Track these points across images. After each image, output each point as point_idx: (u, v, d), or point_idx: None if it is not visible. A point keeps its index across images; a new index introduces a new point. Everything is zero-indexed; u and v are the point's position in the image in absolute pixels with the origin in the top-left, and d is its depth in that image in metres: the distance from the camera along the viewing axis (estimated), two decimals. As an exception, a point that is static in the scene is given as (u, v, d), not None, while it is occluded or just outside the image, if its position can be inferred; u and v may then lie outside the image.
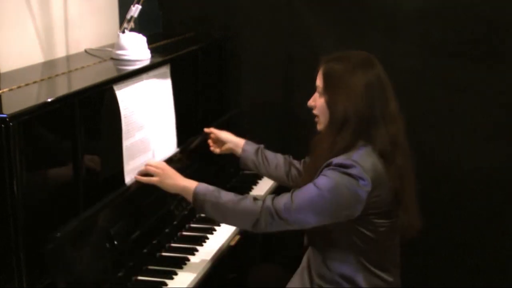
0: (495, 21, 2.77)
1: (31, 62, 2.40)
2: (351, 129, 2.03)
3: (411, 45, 2.88)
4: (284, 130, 3.16)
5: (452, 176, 2.93)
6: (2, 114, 1.69)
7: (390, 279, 2.10)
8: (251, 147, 2.53)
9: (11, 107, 1.81)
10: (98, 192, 2.07)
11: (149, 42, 2.56)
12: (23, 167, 1.74)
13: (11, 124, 1.68)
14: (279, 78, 3.13)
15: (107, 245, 2.02)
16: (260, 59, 3.13)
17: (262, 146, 2.55)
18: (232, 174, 2.93)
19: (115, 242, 2.04)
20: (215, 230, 2.43)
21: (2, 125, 1.67)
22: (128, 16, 2.51)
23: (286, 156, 2.53)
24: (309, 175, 2.10)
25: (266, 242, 3.01)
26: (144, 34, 2.54)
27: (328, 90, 2.08)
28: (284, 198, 2.03)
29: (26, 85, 2.06)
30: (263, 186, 2.86)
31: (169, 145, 2.54)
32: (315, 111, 2.14)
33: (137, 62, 2.44)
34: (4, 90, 1.98)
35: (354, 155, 2.00)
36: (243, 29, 3.13)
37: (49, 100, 1.86)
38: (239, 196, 2.11)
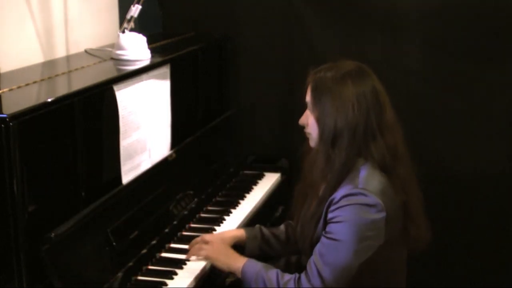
0: (496, 21, 2.77)
1: (31, 62, 2.40)
2: (346, 142, 1.95)
3: (412, 45, 2.88)
4: (284, 130, 3.16)
5: (453, 176, 2.93)
6: (2, 114, 1.69)
7: None
8: (252, 230, 2.35)
9: (11, 107, 1.81)
10: (97, 192, 2.07)
11: (149, 42, 2.56)
12: (23, 167, 1.74)
13: (11, 124, 1.68)
14: (279, 78, 3.13)
15: (105, 245, 2.01)
16: (260, 59, 3.13)
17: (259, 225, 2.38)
18: (232, 174, 2.93)
19: (114, 243, 2.04)
20: (215, 230, 2.43)
21: (2, 125, 1.67)
22: (128, 16, 2.51)
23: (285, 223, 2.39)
24: (302, 198, 2.08)
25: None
26: (144, 34, 2.54)
27: (317, 104, 2.00)
28: (312, 276, 1.93)
29: (26, 85, 2.06)
30: (263, 186, 2.86)
31: (165, 145, 2.54)
32: (306, 130, 2.06)
33: (137, 62, 2.44)
34: (4, 90, 1.98)
35: (360, 182, 1.92)
36: (243, 29, 3.13)
37: (49, 100, 1.86)
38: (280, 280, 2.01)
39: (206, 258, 2.17)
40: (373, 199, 1.90)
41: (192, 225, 2.46)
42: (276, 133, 3.18)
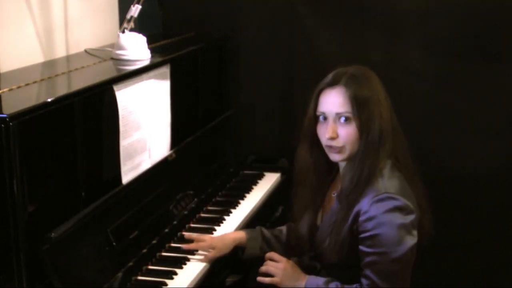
0: (496, 21, 2.77)
1: (31, 62, 2.40)
2: (388, 148, 1.97)
3: (412, 46, 2.89)
4: (284, 130, 3.16)
5: (453, 176, 2.93)
6: (2, 114, 1.69)
7: None
8: (252, 231, 2.33)
9: (11, 107, 1.81)
10: (97, 192, 2.07)
11: (149, 42, 2.56)
12: (23, 167, 1.74)
13: (11, 124, 1.68)
14: (279, 78, 3.13)
15: (105, 245, 2.01)
16: (260, 59, 3.13)
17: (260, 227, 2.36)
18: (232, 174, 2.93)
19: (114, 243, 2.04)
20: (215, 230, 2.43)
21: (2, 125, 1.67)
22: (128, 16, 2.51)
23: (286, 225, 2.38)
24: (308, 201, 2.10)
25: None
26: (144, 34, 2.54)
27: (360, 114, 1.95)
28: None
29: (26, 85, 2.06)
30: (264, 186, 2.86)
31: (165, 145, 2.54)
32: (337, 143, 1.99)
33: (137, 62, 2.44)
34: (4, 90, 1.98)
35: (383, 186, 1.93)
36: (243, 29, 3.13)
37: (49, 100, 1.86)
38: None
39: (276, 282, 2.13)
40: (402, 201, 1.93)
41: (192, 225, 2.46)
42: (276, 133, 3.18)
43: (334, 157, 2.03)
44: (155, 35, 2.99)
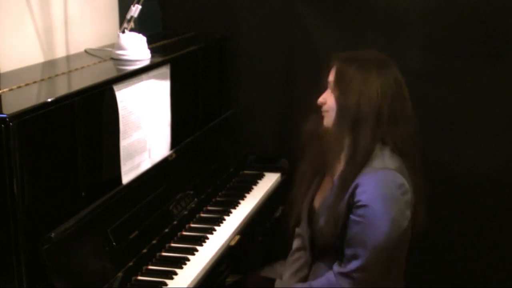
0: (496, 21, 2.77)
1: (31, 62, 2.40)
2: (370, 126, 2.01)
3: (412, 45, 2.88)
4: (284, 130, 3.16)
5: (452, 176, 2.93)
6: (2, 114, 1.69)
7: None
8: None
9: (11, 107, 1.81)
10: (97, 192, 2.07)
11: (149, 42, 2.56)
12: (23, 167, 1.74)
13: (11, 124, 1.69)
14: (279, 78, 3.13)
15: (105, 245, 2.01)
16: (260, 59, 3.13)
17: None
18: (232, 174, 2.93)
19: (114, 243, 2.04)
20: (215, 230, 2.43)
21: (2, 125, 1.67)
22: (128, 16, 2.51)
23: None
24: (308, 179, 2.12)
25: (266, 242, 3.01)
26: (144, 34, 2.54)
27: (340, 85, 2.07)
28: (346, 251, 1.99)
29: (26, 85, 2.06)
30: (263, 186, 2.86)
31: (165, 145, 2.54)
32: (324, 108, 2.12)
33: (137, 62, 2.44)
34: (4, 90, 1.98)
35: (382, 162, 1.99)
36: (243, 29, 3.13)
37: (49, 100, 1.86)
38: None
39: None
40: (400, 178, 1.98)
41: (192, 225, 2.46)
42: (276, 133, 3.18)
43: (324, 121, 2.13)
44: (155, 35, 2.99)
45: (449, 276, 3.02)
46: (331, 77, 2.11)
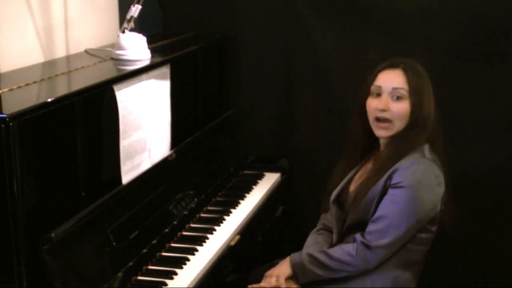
0: (496, 21, 2.77)
1: (31, 62, 2.40)
2: (427, 132, 2.15)
3: (412, 45, 2.88)
4: (284, 130, 3.16)
5: (453, 176, 2.92)
6: (2, 114, 1.69)
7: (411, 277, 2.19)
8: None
9: (11, 107, 1.81)
10: (97, 192, 2.07)
11: (149, 42, 2.56)
12: (23, 167, 1.74)
13: (11, 124, 1.69)
14: (279, 78, 3.13)
15: (105, 245, 2.01)
16: (260, 59, 3.13)
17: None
18: (232, 174, 2.93)
19: (114, 243, 2.04)
20: (215, 230, 2.43)
21: (2, 125, 1.68)
22: (128, 16, 2.51)
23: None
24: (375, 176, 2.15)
25: (266, 242, 3.01)
26: (144, 34, 2.54)
27: (415, 93, 2.13)
28: (372, 226, 2.08)
29: (26, 85, 2.06)
30: (264, 186, 2.86)
31: (165, 145, 2.54)
32: (387, 115, 2.15)
33: (137, 62, 2.44)
34: (4, 90, 1.98)
35: (425, 154, 2.11)
36: (243, 29, 3.13)
37: (49, 100, 1.86)
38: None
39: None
40: (437, 169, 2.10)
41: (192, 225, 2.46)
42: (276, 133, 3.18)
43: (380, 132, 2.18)
44: (155, 35, 2.99)
45: (449, 276, 3.02)
46: (400, 84, 2.14)
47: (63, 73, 2.29)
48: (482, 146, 2.87)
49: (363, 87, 2.24)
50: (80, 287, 1.88)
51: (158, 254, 2.22)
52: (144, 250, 2.16)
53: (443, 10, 2.82)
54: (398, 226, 2.05)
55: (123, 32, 2.50)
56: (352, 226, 2.18)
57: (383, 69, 2.21)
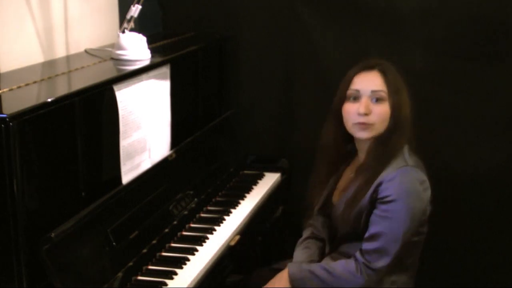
0: (496, 21, 2.77)
1: (31, 62, 2.40)
2: (407, 132, 2.12)
3: (412, 45, 2.88)
4: (284, 130, 3.16)
5: (453, 176, 2.93)
6: (2, 114, 1.69)
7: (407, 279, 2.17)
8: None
9: (11, 107, 1.81)
10: (97, 192, 2.07)
11: (149, 42, 2.56)
12: (23, 167, 1.74)
13: (11, 124, 1.68)
14: (279, 78, 3.13)
15: (105, 245, 2.01)
16: (260, 59, 3.13)
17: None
18: (232, 174, 2.93)
19: (114, 243, 2.04)
20: (215, 230, 2.43)
21: (2, 125, 1.67)
22: (128, 16, 2.51)
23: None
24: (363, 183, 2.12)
25: (266, 242, 3.01)
26: (144, 34, 2.54)
27: (394, 94, 2.10)
28: (369, 245, 2.05)
29: (26, 85, 2.06)
30: (263, 186, 2.86)
31: (165, 145, 2.54)
32: (368, 120, 2.09)
33: (137, 62, 2.44)
34: (4, 90, 1.98)
35: (405, 160, 2.07)
36: (243, 29, 3.13)
37: (49, 100, 1.86)
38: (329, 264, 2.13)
39: None
40: (421, 174, 2.06)
41: (192, 225, 2.46)
42: (276, 133, 3.18)
43: (361, 134, 2.12)
44: (155, 35, 2.99)
45: (449, 276, 3.02)
46: (379, 87, 2.10)
47: (63, 73, 2.29)
48: (482, 146, 2.87)
49: (338, 93, 2.18)
50: (80, 287, 1.88)
51: (158, 254, 2.22)
52: (144, 250, 2.16)
53: (443, 10, 2.82)
54: (395, 242, 2.02)
55: (123, 32, 2.50)
56: (344, 237, 2.17)
57: (358, 72, 2.15)
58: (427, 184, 2.09)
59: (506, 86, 2.81)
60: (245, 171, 3.01)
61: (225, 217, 2.53)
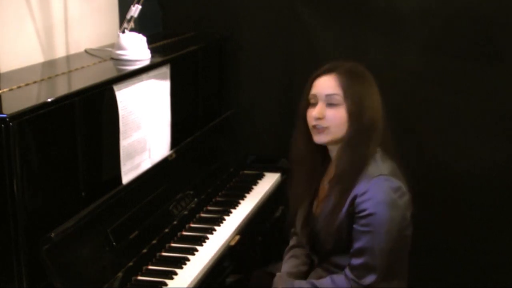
0: (496, 21, 2.77)
1: (31, 62, 2.40)
2: (378, 137, 2.05)
3: (412, 45, 2.88)
4: (284, 130, 3.16)
5: (452, 176, 2.93)
6: (2, 114, 1.69)
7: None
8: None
9: (11, 107, 1.81)
10: (97, 192, 2.07)
11: (149, 42, 2.56)
12: (23, 167, 1.74)
13: (11, 124, 1.69)
14: (279, 78, 3.13)
15: (105, 245, 2.01)
16: (260, 59, 3.13)
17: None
18: (232, 174, 2.93)
19: (114, 243, 2.04)
20: (215, 230, 2.43)
21: (2, 125, 1.68)
22: (128, 16, 2.51)
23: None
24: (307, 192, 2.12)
25: (266, 242, 3.01)
26: (144, 34, 2.54)
27: (349, 98, 2.03)
28: (355, 261, 2.01)
29: (26, 85, 2.06)
30: (264, 186, 2.86)
31: (165, 145, 2.54)
32: (323, 124, 2.05)
33: (137, 62, 2.44)
34: (4, 90, 1.98)
35: (377, 169, 2.01)
36: (243, 29, 3.13)
37: (49, 100, 1.86)
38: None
39: None
40: (396, 182, 2.00)
41: (192, 225, 2.46)
42: (276, 133, 3.18)
43: (318, 138, 2.08)
44: (155, 35, 2.99)
45: (449, 276, 3.02)
46: (333, 90, 2.05)
47: (63, 73, 2.29)
48: (482, 146, 2.87)
49: (302, 99, 2.15)
50: (80, 287, 1.88)
51: (158, 254, 2.22)
52: (144, 250, 2.16)
53: (443, 10, 2.82)
54: (380, 254, 1.99)
55: (123, 32, 2.50)
56: (331, 250, 2.13)
57: (318, 76, 2.11)
58: (403, 189, 2.02)
59: (506, 86, 2.81)
60: (245, 171, 3.01)
61: (225, 217, 2.53)
